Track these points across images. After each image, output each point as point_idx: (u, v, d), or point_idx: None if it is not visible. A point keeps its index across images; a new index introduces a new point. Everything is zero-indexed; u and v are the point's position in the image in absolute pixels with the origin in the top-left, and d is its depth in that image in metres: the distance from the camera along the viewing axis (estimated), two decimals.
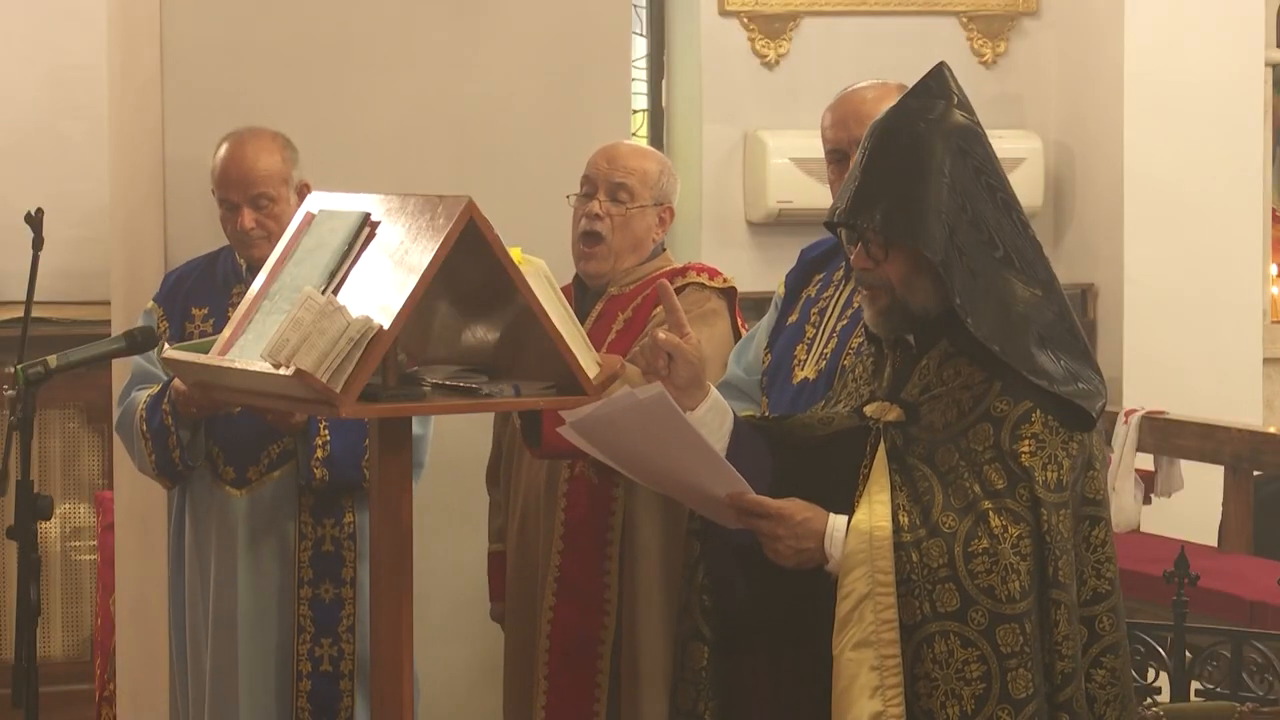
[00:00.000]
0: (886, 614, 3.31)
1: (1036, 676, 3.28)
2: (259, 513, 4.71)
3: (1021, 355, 3.34)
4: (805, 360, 4.13)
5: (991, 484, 3.31)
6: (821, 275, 4.25)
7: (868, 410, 3.47)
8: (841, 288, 4.14)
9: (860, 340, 3.92)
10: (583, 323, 4.70)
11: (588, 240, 4.69)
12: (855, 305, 4.03)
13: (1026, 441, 3.33)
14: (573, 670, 4.62)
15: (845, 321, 4.08)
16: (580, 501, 4.61)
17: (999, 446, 3.32)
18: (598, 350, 4.59)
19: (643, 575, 4.57)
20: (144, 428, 4.69)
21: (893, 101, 3.65)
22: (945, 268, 3.33)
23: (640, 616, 4.56)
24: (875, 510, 3.35)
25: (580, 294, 4.77)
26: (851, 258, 3.47)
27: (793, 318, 4.26)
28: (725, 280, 4.69)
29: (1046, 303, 3.42)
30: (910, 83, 3.56)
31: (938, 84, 3.46)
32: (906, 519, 3.32)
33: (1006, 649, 3.27)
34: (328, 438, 4.63)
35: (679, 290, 4.64)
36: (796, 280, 4.32)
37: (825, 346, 4.11)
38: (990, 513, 3.30)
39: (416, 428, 4.68)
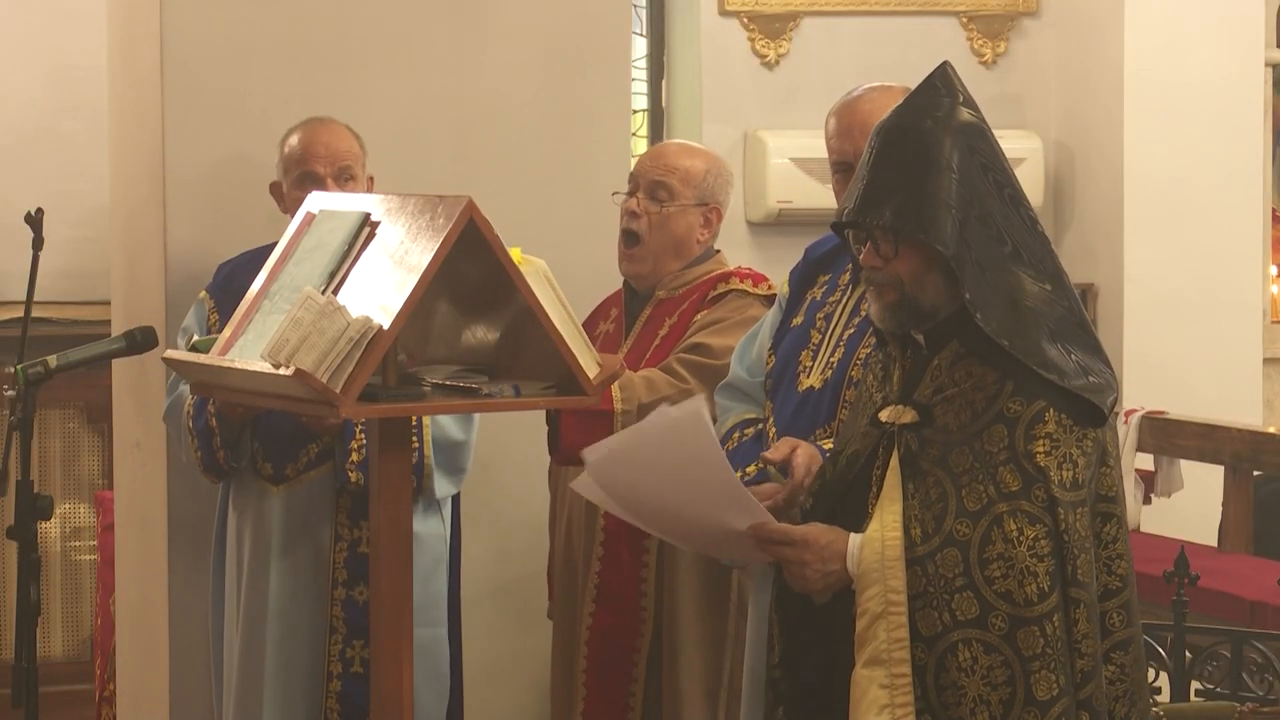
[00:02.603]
0: (898, 632, 3.30)
1: (1062, 677, 3.27)
2: (295, 511, 4.70)
3: (1032, 349, 3.34)
4: (811, 368, 4.08)
5: (1007, 486, 3.30)
6: (827, 277, 4.19)
7: (883, 416, 3.46)
8: (848, 293, 4.09)
9: (868, 351, 3.91)
10: (632, 326, 4.70)
11: (626, 241, 4.68)
12: (863, 313, 4.01)
13: (1041, 441, 3.32)
14: (608, 677, 4.63)
15: (852, 330, 4.02)
16: None
17: (1013, 447, 3.31)
18: (644, 353, 4.60)
19: (680, 585, 4.56)
20: (190, 425, 4.69)
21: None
22: (957, 262, 3.33)
23: (678, 626, 4.55)
24: (887, 522, 3.34)
25: (630, 297, 4.76)
26: (860, 257, 3.46)
27: (797, 320, 4.20)
28: (770, 287, 4.65)
29: (1056, 297, 3.41)
30: (911, 83, 3.56)
31: (943, 82, 3.46)
32: (919, 530, 3.32)
33: (1028, 652, 3.26)
34: (364, 441, 4.60)
35: (721, 296, 4.63)
36: (801, 280, 4.26)
37: (832, 355, 4.05)
38: (1005, 516, 3.29)
39: (459, 433, 4.69)
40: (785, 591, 3.54)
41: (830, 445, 3.71)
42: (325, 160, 4.70)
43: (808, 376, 4.07)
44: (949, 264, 3.34)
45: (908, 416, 3.42)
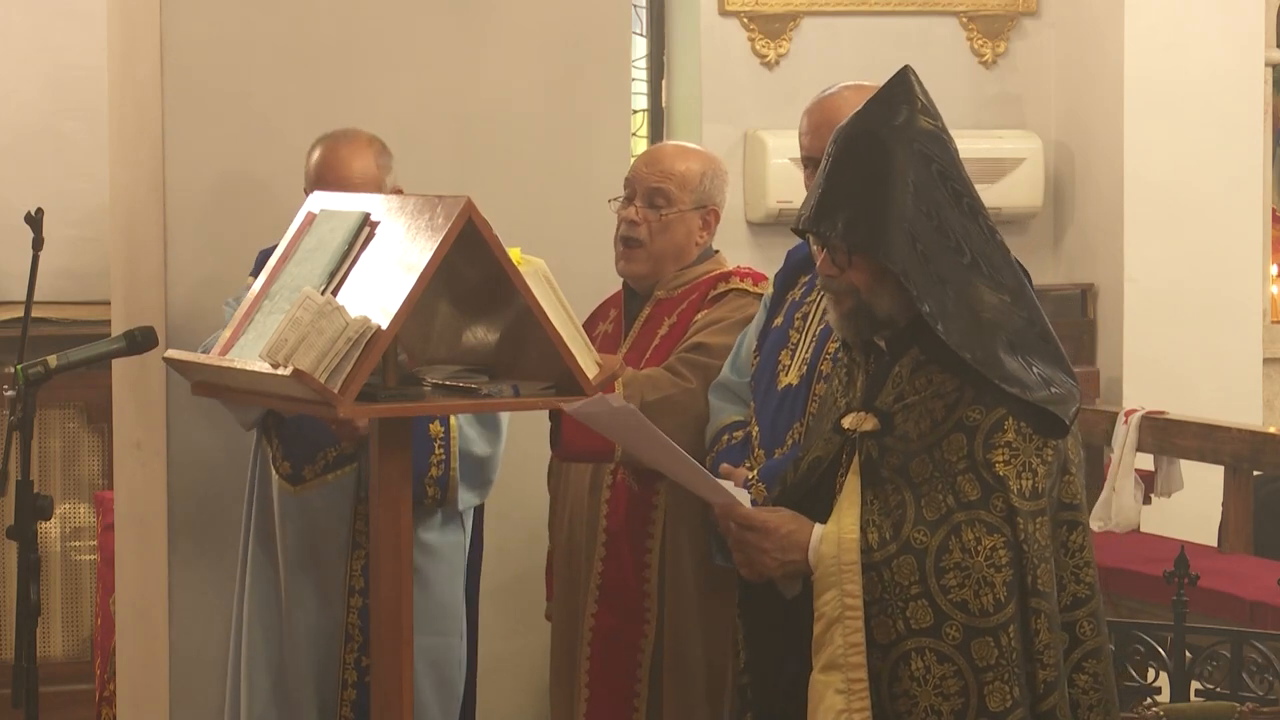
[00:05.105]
0: (854, 637, 3.30)
1: (1016, 688, 3.25)
2: (311, 514, 4.68)
3: (992, 362, 3.31)
4: (789, 366, 4.13)
5: (965, 495, 3.29)
6: (807, 278, 4.24)
7: (845, 422, 3.45)
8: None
9: (837, 346, 3.93)
10: (631, 326, 4.70)
11: (626, 243, 4.67)
12: None
13: (1000, 450, 3.30)
14: (612, 676, 4.61)
15: (823, 325, 4.08)
16: (620, 508, 4.59)
17: (972, 456, 3.30)
18: (644, 353, 4.60)
19: (684, 584, 4.55)
20: None
21: None
22: (906, 277, 3.31)
23: (682, 625, 4.54)
24: (844, 524, 3.34)
25: (629, 298, 4.75)
26: (817, 264, 3.46)
27: (778, 321, 4.26)
28: (770, 285, 4.66)
29: (1016, 308, 3.39)
30: None
31: (901, 89, 3.42)
32: (876, 535, 3.31)
33: (981, 662, 3.25)
34: None
35: (721, 295, 4.63)
36: (783, 282, 4.32)
37: (806, 351, 4.11)
38: (963, 525, 3.28)
39: (485, 448, 4.67)
40: (749, 597, 3.54)
41: None
42: (334, 187, 4.65)
43: (786, 375, 4.12)
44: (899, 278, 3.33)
45: (869, 424, 3.41)
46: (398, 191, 4.69)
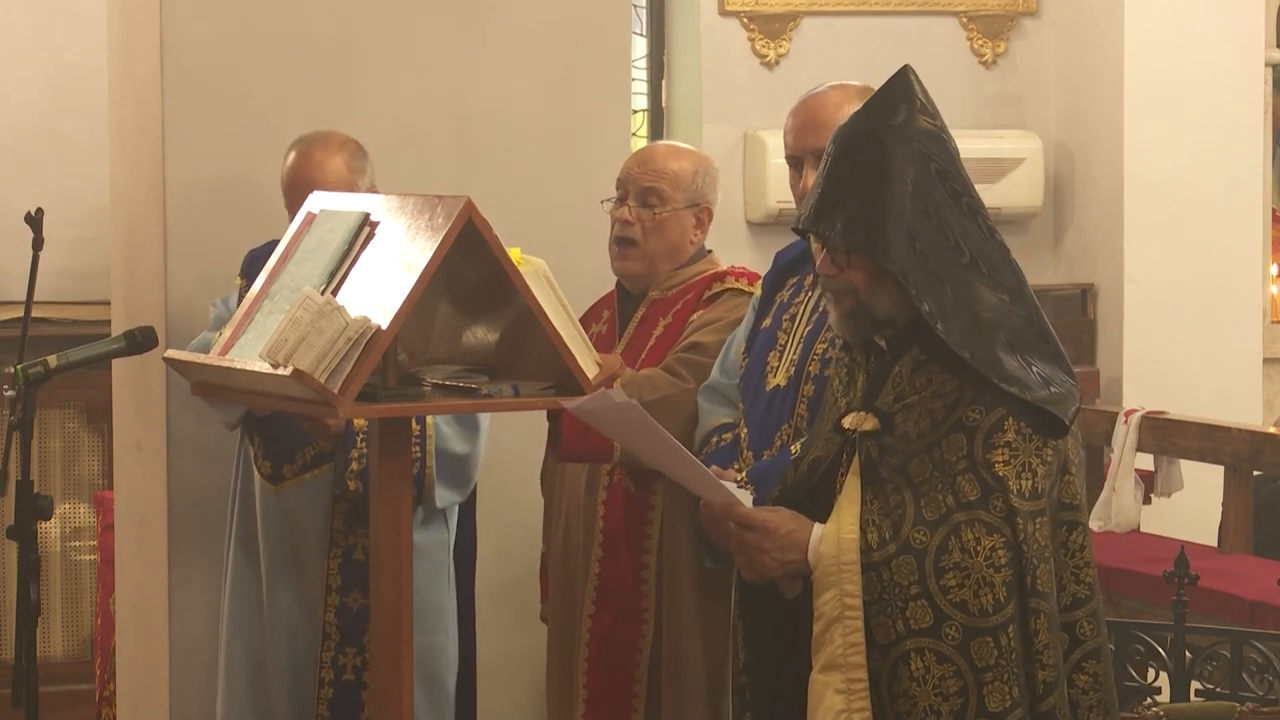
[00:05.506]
0: (854, 637, 3.29)
1: (1015, 688, 3.25)
2: (290, 512, 4.69)
3: (992, 361, 3.31)
4: (777, 367, 4.14)
5: (965, 495, 3.29)
6: (795, 279, 4.25)
7: (845, 422, 3.45)
8: (811, 293, 4.14)
9: (825, 346, 3.92)
10: (625, 327, 4.70)
11: (620, 243, 4.67)
12: (822, 310, 4.02)
13: (1000, 451, 3.30)
14: (610, 678, 4.61)
15: (810, 327, 4.09)
16: (617, 509, 4.59)
17: (972, 456, 3.30)
18: (639, 354, 4.60)
19: (682, 585, 4.54)
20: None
21: (853, 105, 3.62)
22: (905, 277, 3.31)
23: (681, 627, 4.54)
24: (844, 524, 3.34)
25: (623, 298, 4.76)
26: (817, 263, 3.46)
27: (766, 322, 4.26)
28: (759, 288, 4.65)
29: (1015, 307, 3.38)
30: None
31: (901, 89, 3.42)
32: (876, 535, 3.31)
33: (981, 663, 3.24)
34: (365, 450, 4.57)
35: (717, 295, 4.64)
36: (771, 284, 4.32)
37: (794, 353, 4.11)
38: (963, 525, 3.28)
39: (463, 446, 4.66)
40: (748, 598, 3.54)
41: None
42: (307, 190, 4.63)
43: (774, 376, 4.12)
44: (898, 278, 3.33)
45: (869, 424, 3.40)
46: (375, 192, 4.70)
